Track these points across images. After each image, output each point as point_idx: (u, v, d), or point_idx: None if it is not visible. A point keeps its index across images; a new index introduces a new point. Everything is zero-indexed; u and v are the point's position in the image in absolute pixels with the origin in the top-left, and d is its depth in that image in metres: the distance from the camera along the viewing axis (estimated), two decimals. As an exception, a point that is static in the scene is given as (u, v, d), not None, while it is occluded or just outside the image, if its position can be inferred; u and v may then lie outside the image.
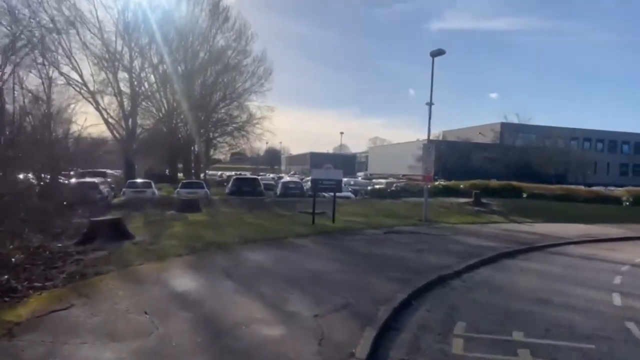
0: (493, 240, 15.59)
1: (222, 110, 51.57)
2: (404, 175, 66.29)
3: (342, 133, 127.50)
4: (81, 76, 37.70)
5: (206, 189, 27.85)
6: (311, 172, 18.89)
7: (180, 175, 55.89)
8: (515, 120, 62.71)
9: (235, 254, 11.04)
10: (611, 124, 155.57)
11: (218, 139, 53.70)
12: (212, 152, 56.94)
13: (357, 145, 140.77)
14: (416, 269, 10.20)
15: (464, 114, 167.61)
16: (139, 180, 28.50)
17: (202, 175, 59.34)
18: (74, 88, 37.57)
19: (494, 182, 30.45)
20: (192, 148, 56.71)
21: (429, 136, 21.11)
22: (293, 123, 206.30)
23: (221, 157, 77.66)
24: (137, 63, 39.80)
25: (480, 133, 77.24)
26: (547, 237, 17.20)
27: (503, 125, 71.86)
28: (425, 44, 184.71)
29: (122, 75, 39.79)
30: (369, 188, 37.70)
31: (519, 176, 50.52)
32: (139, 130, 41.86)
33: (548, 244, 15.88)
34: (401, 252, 12.25)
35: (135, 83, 39.74)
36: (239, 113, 50.89)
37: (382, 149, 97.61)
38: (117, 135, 39.27)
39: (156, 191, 26.77)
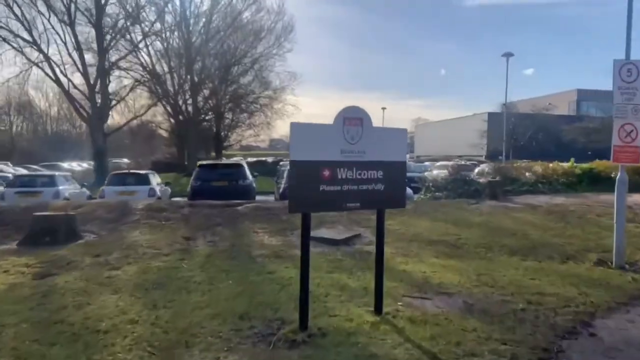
0: None
1: (241, 81, 39.47)
2: (459, 157, 52.56)
3: (384, 109, 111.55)
4: (30, 33, 26.50)
5: (152, 186, 15.22)
6: (290, 143, 4.92)
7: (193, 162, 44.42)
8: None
9: None
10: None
11: (231, 117, 41.63)
12: (228, 133, 45.13)
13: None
14: None
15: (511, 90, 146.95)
16: (43, 173, 16.57)
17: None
18: (11, 45, 26.38)
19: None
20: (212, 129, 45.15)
21: (627, 49, 7.96)
22: (327, 108, 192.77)
23: (259, 143, 67.33)
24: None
25: (549, 103, 62.07)
26: None
27: (580, 92, 56.58)
28: (460, 23, 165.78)
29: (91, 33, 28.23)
30: (428, 175, 23.54)
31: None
32: (113, 103, 29.89)
33: None
34: None
35: (108, 38, 27.95)
36: (255, 85, 38.64)
37: (431, 127, 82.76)
38: (82, 111, 27.76)
39: (66, 191, 14.53)
